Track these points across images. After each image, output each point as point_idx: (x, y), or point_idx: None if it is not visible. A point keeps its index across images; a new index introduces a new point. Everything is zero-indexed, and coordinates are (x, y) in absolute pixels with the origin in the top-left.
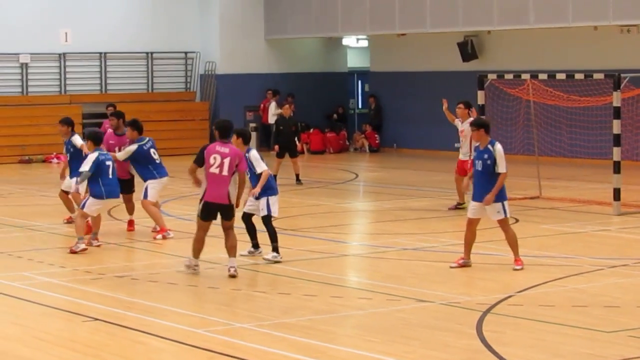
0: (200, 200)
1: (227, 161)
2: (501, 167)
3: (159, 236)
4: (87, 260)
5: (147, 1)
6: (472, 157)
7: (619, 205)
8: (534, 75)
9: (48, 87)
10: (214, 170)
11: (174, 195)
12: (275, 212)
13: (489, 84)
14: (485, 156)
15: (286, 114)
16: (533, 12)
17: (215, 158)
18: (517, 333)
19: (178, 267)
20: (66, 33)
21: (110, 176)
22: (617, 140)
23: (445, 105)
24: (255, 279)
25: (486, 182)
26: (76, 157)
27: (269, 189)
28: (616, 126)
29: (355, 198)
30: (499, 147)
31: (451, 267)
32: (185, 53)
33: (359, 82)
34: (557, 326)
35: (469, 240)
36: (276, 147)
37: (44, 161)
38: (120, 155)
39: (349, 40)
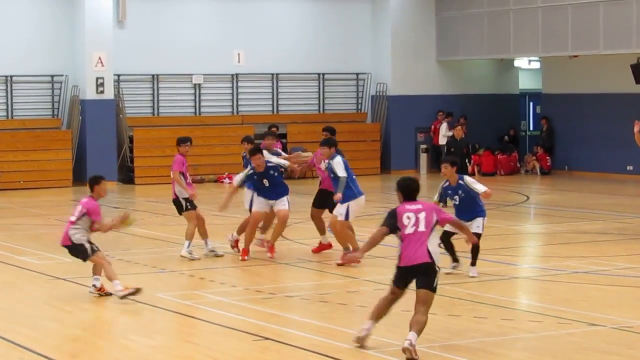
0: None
1: (422, 216)
2: None
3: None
4: (258, 279)
5: (320, 23)
6: None
7: None
8: None
9: (220, 108)
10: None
11: None
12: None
13: None
14: None
15: (458, 135)
16: None
17: (409, 217)
18: None
19: (349, 287)
20: (239, 54)
21: None
22: None
23: (637, 128)
24: None
25: None
26: None
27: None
28: None
29: (526, 220)
30: None
31: None
32: (357, 74)
33: (531, 104)
34: None
35: None
36: None
37: (215, 181)
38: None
39: (520, 62)
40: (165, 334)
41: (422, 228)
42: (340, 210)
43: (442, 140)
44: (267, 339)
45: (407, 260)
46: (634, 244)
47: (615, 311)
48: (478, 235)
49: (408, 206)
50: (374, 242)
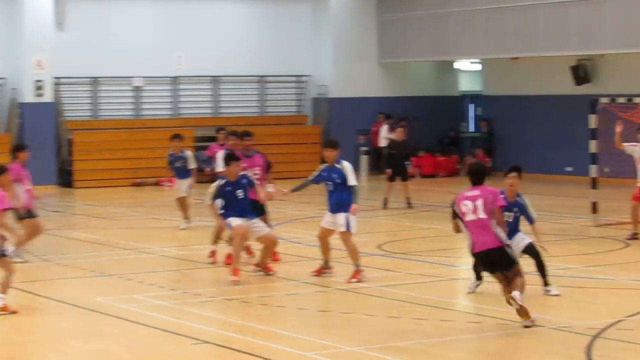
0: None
1: (479, 203)
2: None
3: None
4: (197, 283)
5: (261, 25)
6: None
7: None
8: None
9: (161, 110)
10: (470, 217)
11: (285, 219)
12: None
13: (601, 108)
14: None
15: (399, 137)
16: None
17: (466, 204)
18: (627, 358)
19: (288, 290)
20: (180, 57)
21: None
22: None
23: (619, 129)
24: (365, 302)
25: None
26: None
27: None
28: None
29: None
30: None
31: None
32: (298, 76)
33: (471, 105)
34: None
35: None
36: (388, 170)
37: (156, 184)
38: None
39: (461, 64)
40: (104, 338)
41: (481, 215)
42: (341, 221)
43: (383, 142)
44: (206, 342)
45: (480, 246)
46: (572, 245)
47: (553, 311)
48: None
49: (466, 193)
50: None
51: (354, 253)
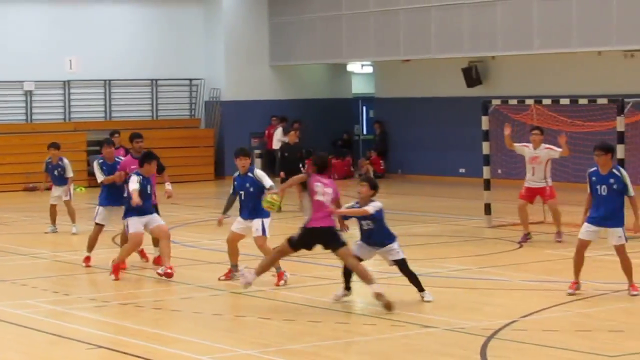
0: None
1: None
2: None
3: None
4: (92, 288)
5: (152, 28)
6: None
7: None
8: (538, 101)
9: (52, 115)
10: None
11: (178, 223)
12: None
13: (493, 110)
14: (612, 180)
15: (292, 140)
16: (537, 37)
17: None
18: (521, 358)
19: (182, 294)
20: (71, 60)
21: None
22: (621, 164)
23: (508, 131)
24: (260, 305)
25: (613, 206)
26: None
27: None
28: (620, 151)
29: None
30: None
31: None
32: (190, 80)
33: (364, 108)
34: (561, 351)
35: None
36: (282, 173)
37: (48, 189)
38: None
39: (353, 66)
40: None
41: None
42: (257, 226)
43: (277, 145)
44: (100, 347)
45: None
46: (466, 246)
47: (448, 313)
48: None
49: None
50: None
51: (271, 257)
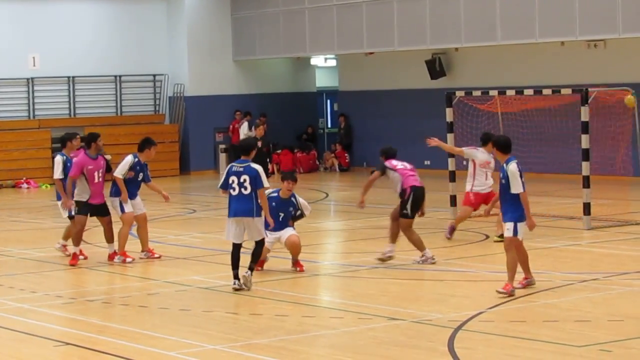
0: None
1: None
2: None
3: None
4: (59, 284)
5: (115, 25)
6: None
7: (589, 220)
8: (502, 92)
9: (16, 112)
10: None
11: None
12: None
13: (457, 101)
14: (501, 175)
15: (259, 134)
16: (500, 28)
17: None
18: (488, 349)
19: (149, 290)
20: (34, 58)
21: None
22: (586, 154)
23: (434, 142)
24: (227, 300)
25: (504, 199)
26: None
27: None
28: (585, 141)
29: (326, 217)
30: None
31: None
32: (154, 76)
33: (328, 101)
34: (528, 341)
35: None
36: None
37: (13, 186)
38: None
39: (317, 60)
40: None
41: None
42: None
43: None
44: (68, 344)
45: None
46: (432, 238)
47: (415, 305)
48: None
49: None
50: None
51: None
